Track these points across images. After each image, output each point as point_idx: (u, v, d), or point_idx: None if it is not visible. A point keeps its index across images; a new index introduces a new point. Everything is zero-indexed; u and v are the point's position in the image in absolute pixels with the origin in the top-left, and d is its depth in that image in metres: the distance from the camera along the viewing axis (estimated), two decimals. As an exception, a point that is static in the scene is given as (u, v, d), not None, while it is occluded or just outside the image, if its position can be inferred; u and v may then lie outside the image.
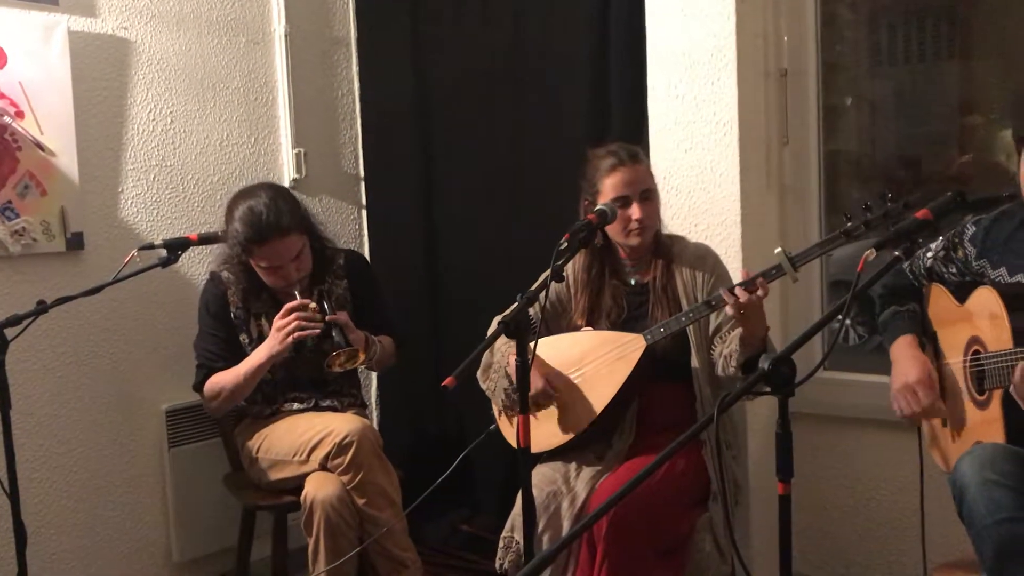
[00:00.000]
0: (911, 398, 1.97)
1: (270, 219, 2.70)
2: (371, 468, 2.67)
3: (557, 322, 2.56)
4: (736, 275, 2.63)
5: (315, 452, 2.69)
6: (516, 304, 2.07)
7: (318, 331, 2.71)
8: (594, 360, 2.39)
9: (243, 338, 2.86)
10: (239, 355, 2.82)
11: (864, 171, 3.58)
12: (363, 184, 3.74)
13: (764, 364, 1.58)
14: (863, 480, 2.79)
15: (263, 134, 3.47)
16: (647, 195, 2.40)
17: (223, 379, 2.80)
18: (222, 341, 2.85)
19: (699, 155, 2.77)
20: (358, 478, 2.65)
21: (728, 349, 2.30)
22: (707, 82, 2.74)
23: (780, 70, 2.83)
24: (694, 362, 2.37)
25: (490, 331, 2.35)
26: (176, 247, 2.72)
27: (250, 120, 3.43)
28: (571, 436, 2.40)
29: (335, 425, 2.69)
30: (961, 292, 1.95)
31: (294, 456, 2.73)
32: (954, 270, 2.06)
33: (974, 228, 2.00)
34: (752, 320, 2.14)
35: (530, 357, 2.01)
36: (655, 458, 1.55)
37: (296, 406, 2.90)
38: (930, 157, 3.54)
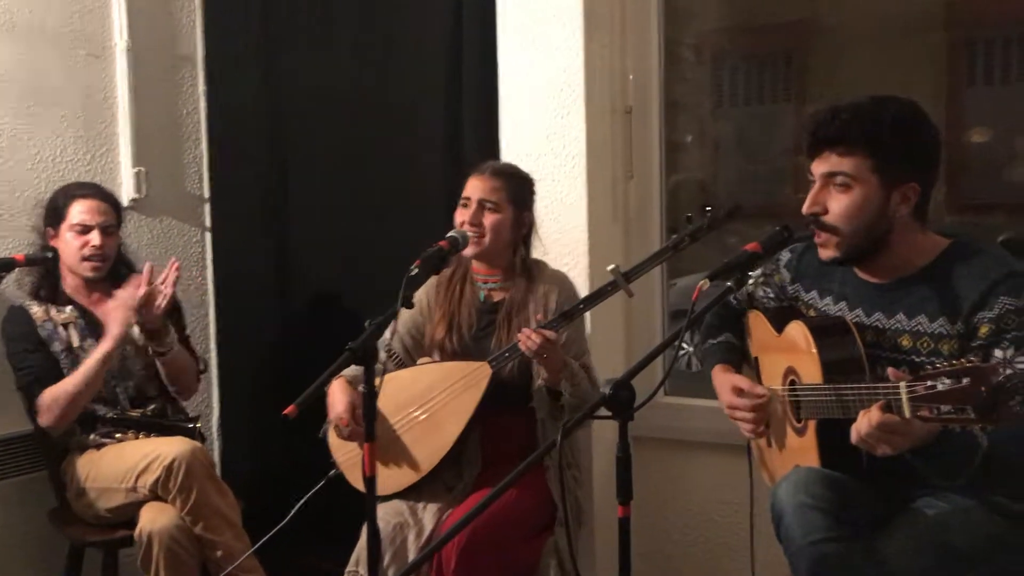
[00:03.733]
0: (737, 419, 2.07)
1: (90, 183, 3.00)
2: (204, 490, 2.60)
3: (419, 350, 2.56)
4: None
5: (143, 477, 2.61)
6: (366, 331, 2.06)
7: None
8: (440, 393, 2.39)
9: (56, 346, 2.78)
10: (58, 367, 2.75)
11: (704, 203, 3.72)
12: (208, 206, 3.63)
13: (605, 389, 1.64)
14: (702, 502, 2.90)
15: (101, 151, 3.32)
16: (486, 206, 2.44)
17: (61, 385, 2.70)
18: (41, 354, 2.76)
19: (549, 186, 2.83)
20: (191, 501, 2.58)
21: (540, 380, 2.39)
22: (556, 116, 2.81)
23: (626, 107, 2.93)
24: (537, 402, 2.40)
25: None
26: (1, 268, 2.60)
27: (87, 136, 3.27)
28: (422, 475, 2.39)
29: (162, 449, 2.63)
30: (778, 320, 2.06)
31: (121, 483, 2.64)
32: (772, 294, 2.19)
33: (789, 255, 2.13)
34: (546, 362, 2.28)
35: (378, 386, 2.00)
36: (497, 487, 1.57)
37: (117, 434, 2.80)
38: (768, 193, 3.73)
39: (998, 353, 1.77)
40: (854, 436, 1.67)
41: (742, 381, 2.09)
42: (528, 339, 2.24)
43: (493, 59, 2.90)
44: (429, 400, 2.40)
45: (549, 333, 2.24)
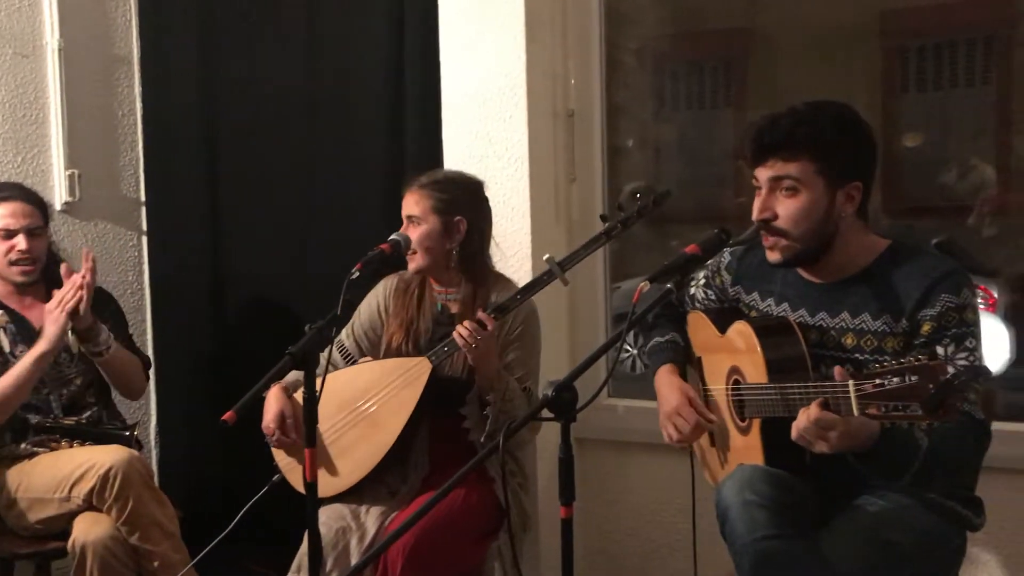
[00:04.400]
0: (675, 425, 2.08)
1: (13, 183, 2.91)
2: (141, 499, 2.54)
3: (374, 351, 2.54)
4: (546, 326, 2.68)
5: (77, 487, 2.54)
6: (305, 335, 2.03)
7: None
8: (380, 391, 2.37)
9: None
10: None
11: (635, 193, 3.74)
12: (144, 209, 3.56)
13: (548, 391, 1.64)
14: (645, 502, 2.91)
15: (31, 153, 3.24)
16: (412, 221, 2.43)
17: None
18: None
19: (492, 189, 2.82)
20: (128, 510, 2.52)
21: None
22: (499, 119, 2.81)
23: (568, 110, 2.94)
24: (468, 408, 2.38)
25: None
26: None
27: (16, 138, 3.19)
28: (365, 474, 2.36)
29: (98, 458, 2.56)
30: (722, 320, 2.08)
31: (55, 493, 2.56)
32: (714, 296, 2.22)
33: (729, 257, 2.16)
34: (480, 357, 2.25)
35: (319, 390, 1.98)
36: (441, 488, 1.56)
37: (51, 443, 2.71)
38: (709, 197, 3.78)
39: (939, 350, 1.81)
40: (793, 432, 1.69)
41: (695, 398, 2.08)
42: (462, 327, 2.22)
43: (435, 62, 2.89)
44: (369, 399, 2.38)
45: (483, 316, 2.22)
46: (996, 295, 4.47)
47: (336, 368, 2.46)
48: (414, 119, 3.00)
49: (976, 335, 1.84)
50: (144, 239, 3.57)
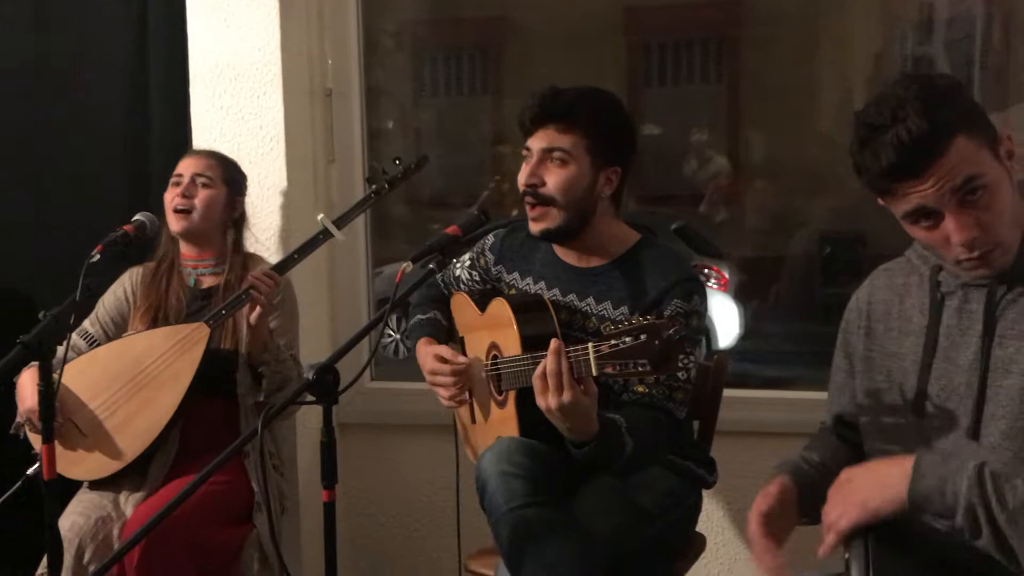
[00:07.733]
0: (439, 385, 2.15)
1: None
2: None
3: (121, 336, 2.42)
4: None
5: None
6: (40, 323, 1.89)
7: None
8: (154, 360, 2.27)
9: None
10: None
11: (408, 191, 3.78)
12: None
13: (309, 374, 1.62)
14: (409, 483, 2.94)
15: None
16: (199, 181, 2.42)
17: None
18: None
19: (247, 169, 2.72)
20: None
21: None
22: (253, 96, 2.72)
23: (326, 90, 2.89)
24: (240, 373, 2.34)
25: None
26: None
27: None
28: (145, 447, 2.25)
29: None
30: (483, 300, 2.16)
31: None
32: (478, 277, 2.29)
33: (493, 239, 2.25)
34: (260, 319, 2.26)
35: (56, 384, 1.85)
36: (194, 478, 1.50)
37: None
38: (468, 181, 3.86)
39: None
40: (538, 400, 1.76)
41: (445, 350, 2.16)
42: (260, 280, 2.20)
43: (183, 35, 2.75)
44: (143, 369, 2.27)
45: (270, 272, 2.24)
46: (727, 275, 4.91)
47: (81, 353, 2.35)
48: (159, 94, 2.84)
49: (697, 341, 2.02)
50: None
